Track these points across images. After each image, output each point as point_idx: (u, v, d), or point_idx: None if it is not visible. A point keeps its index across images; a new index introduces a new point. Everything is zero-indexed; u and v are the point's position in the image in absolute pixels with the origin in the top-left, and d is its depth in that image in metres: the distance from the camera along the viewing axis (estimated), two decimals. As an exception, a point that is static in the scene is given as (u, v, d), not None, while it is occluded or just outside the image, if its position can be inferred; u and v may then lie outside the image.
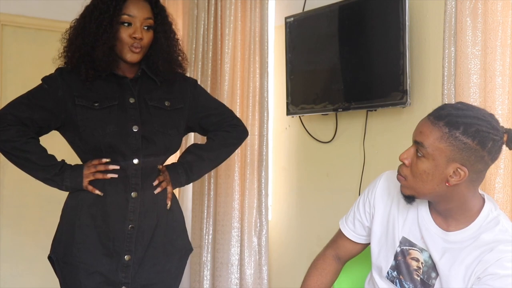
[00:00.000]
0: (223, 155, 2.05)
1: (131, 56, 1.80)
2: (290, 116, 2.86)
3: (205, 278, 3.04)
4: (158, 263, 1.86)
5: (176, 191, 2.04)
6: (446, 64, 1.96)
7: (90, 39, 1.77)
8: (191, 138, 3.04)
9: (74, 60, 1.79)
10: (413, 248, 1.48)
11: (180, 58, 1.94)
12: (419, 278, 1.47)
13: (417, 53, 2.26)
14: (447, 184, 1.35)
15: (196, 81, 2.04)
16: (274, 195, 3.06)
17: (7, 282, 3.50)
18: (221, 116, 2.03)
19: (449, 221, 1.42)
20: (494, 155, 1.34)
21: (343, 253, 1.68)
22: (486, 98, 1.85)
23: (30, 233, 3.49)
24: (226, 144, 2.02)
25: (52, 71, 1.86)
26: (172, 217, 1.91)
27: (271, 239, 2.98)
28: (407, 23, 2.17)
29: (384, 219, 1.56)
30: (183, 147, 2.98)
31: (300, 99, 2.73)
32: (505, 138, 1.34)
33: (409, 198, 1.43)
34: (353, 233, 1.65)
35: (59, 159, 1.84)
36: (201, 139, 2.61)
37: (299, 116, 2.85)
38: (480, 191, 1.44)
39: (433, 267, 1.44)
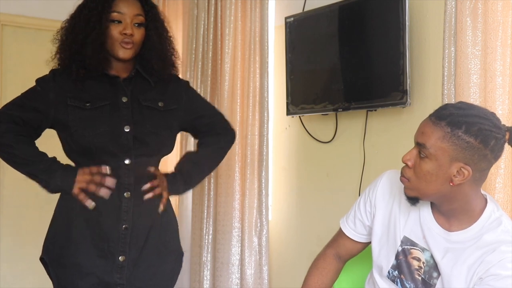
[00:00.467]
0: (219, 158, 2.06)
1: (123, 53, 1.78)
2: (290, 116, 2.86)
3: (205, 278, 3.04)
4: (153, 264, 1.84)
5: (176, 191, 2.03)
6: (446, 64, 1.96)
7: (79, 38, 1.75)
8: (191, 139, 3.03)
9: (65, 59, 1.78)
10: (415, 247, 1.48)
11: (173, 57, 1.92)
12: (420, 278, 1.47)
13: (417, 53, 2.26)
14: (451, 184, 1.35)
15: (188, 82, 2.03)
16: (274, 195, 3.06)
17: (7, 282, 3.49)
18: (213, 118, 2.02)
19: (451, 221, 1.42)
20: (497, 153, 1.34)
21: (344, 252, 1.68)
22: (486, 98, 1.85)
23: (30, 233, 3.48)
24: (219, 148, 2.03)
25: (51, 71, 1.85)
26: (167, 219, 1.89)
27: (271, 239, 2.98)
28: (407, 23, 2.17)
29: (385, 218, 1.56)
30: (178, 147, 2.98)
31: (300, 99, 2.73)
32: (507, 136, 1.35)
33: (413, 200, 1.43)
34: (354, 232, 1.65)
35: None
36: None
37: (299, 116, 2.85)
38: (482, 191, 1.44)
39: (434, 267, 1.44)
